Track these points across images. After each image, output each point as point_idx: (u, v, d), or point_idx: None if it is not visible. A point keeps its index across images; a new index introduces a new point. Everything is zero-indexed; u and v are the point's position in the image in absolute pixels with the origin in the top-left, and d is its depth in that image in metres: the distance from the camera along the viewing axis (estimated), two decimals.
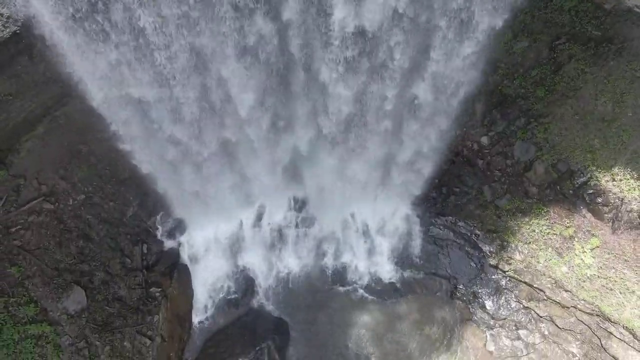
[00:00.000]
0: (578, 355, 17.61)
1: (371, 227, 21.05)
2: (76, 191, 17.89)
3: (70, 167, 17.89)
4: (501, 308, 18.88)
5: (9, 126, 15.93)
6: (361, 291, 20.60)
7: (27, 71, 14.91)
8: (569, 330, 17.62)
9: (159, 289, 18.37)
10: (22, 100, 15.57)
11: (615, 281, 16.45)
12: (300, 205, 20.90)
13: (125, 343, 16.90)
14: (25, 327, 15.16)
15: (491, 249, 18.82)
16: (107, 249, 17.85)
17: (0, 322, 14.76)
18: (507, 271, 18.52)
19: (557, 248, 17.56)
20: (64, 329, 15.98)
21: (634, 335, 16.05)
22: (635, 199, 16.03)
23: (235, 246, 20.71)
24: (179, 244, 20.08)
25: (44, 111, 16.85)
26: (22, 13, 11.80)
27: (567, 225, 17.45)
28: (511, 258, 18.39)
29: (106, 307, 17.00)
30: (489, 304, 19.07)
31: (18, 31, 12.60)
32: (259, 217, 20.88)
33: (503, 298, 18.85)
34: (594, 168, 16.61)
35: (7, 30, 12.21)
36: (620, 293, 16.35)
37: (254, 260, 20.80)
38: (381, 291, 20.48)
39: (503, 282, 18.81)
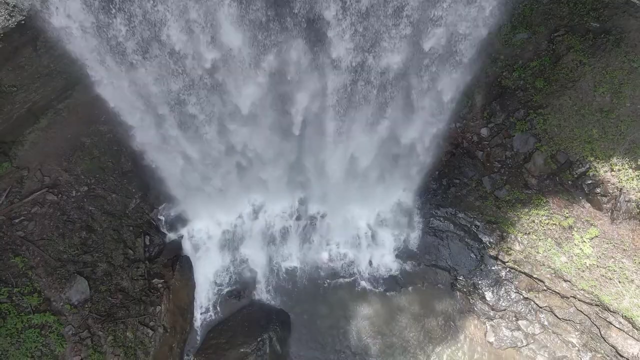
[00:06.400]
0: (577, 345, 17.72)
1: (372, 220, 21.15)
2: (79, 183, 18.04)
3: (73, 159, 18.07)
4: (501, 299, 18.98)
5: (12, 118, 16.07)
6: (362, 283, 20.68)
7: (31, 63, 15.00)
8: (569, 320, 17.73)
9: (162, 281, 18.53)
10: (26, 92, 15.70)
11: (614, 270, 16.57)
12: (301, 197, 21.05)
13: (127, 333, 17.01)
14: (28, 316, 15.26)
15: (491, 240, 18.93)
16: (110, 241, 17.98)
17: (4, 312, 14.89)
18: (507, 262, 18.62)
19: (556, 238, 17.67)
20: (67, 319, 16.10)
21: (633, 325, 16.15)
22: (634, 189, 16.15)
23: (237, 238, 20.81)
24: (181, 236, 20.23)
25: (47, 104, 17.01)
26: (28, 2, 11.90)
27: (566, 215, 17.58)
28: (511, 249, 18.51)
29: (109, 298, 17.10)
30: (489, 295, 19.15)
31: (23, 21, 12.72)
32: (261, 210, 21.04)
33: (503, 289, 18.95)
34: (593, 159, 16.74)
35: (13, 19, 12.24)
36: (619, 282, 16.46)
37: (255, 252, 20.87)
38: (382, 283, 20.56)
39: (503, 273, 18.90)
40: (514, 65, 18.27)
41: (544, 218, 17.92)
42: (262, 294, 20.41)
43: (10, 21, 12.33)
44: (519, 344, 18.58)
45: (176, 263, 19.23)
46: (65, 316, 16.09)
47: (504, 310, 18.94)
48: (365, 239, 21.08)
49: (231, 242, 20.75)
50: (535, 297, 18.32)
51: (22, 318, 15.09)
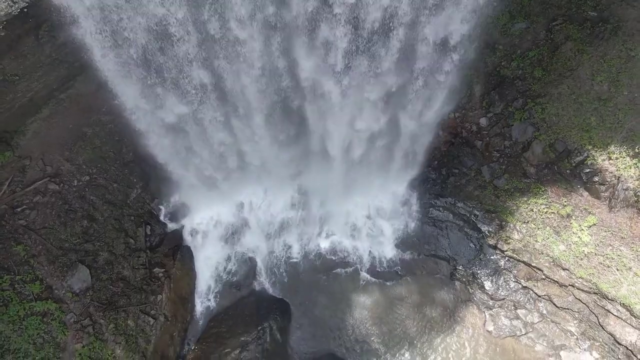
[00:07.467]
0: (576, 333, 17.82)
1: (372, 210, 21.25)
2: (81, 172, 18.17)
3: (75, 149, 18.21)
4: (500, 288, 19.06)
5: (15, 107, 16.20)
6: (362, 273, 20.76)
7: (33, 52, 15.15)
8: (567, 309, 17.83)
9: (162, 270, 18.66)
10: (28, 81, 15.82)
11: (612, 258, 16.65)
12: (302, 188, 21.14)
13: (129, 321, 17.13)
14: (30, 304, 15.40)
15: (490, 229, 19.01)
16: (111, 230, 18.11)
17: (6, 299, 15.01)
18: (506, 251, 18.71)
19: (554, 227, 17.75)
20: (68, 307, 16.22)
21: (631, 312, 16.23)
22: (632, 177, 16.23)
23: (237, 229, 20.95)
24: (182, 226, 20.37)
25: (49, 93, 17.16)
26: None
27: (565, 204, 17.66)
28: (510, 237, 18.59)
29: (110, 287, 17.23)
30: (488, 285, 19.23)
31: (25, 9, 12.82)
32: (261, 200, 21.15)
33: (502, 278, 19.04)
34: (591, 147, 16.82)
35: (16, 6, 12.35)
36: (617, 270, 16.54)
37: (256, 242, 20.99)
38: (381, 273, 20.66)
39: (502, 262, 18.99)
40: (513, 54, 18.37)
41: (542, 207, 18.01)
42: (263, 283, 20.52)
43: (13, 8, 12.42)
44: (517, 332, 18.66)
45: (177, 253, 19.38)
46: (67, 304, 16.21)
47: (503, 299, 19.03)
48: (364, 229, 21.18)
49: (232, 232, 20.89)
50: (534, 286, 18.40)
51: (24, 305, 15.21)
